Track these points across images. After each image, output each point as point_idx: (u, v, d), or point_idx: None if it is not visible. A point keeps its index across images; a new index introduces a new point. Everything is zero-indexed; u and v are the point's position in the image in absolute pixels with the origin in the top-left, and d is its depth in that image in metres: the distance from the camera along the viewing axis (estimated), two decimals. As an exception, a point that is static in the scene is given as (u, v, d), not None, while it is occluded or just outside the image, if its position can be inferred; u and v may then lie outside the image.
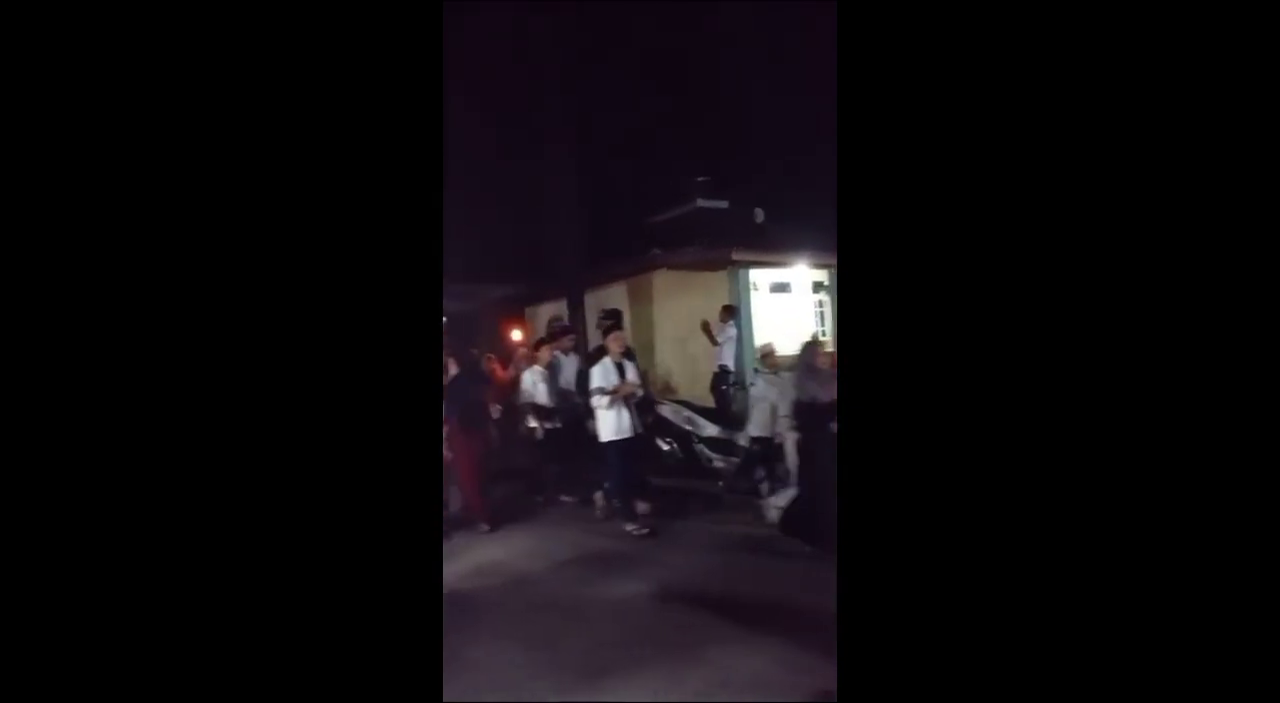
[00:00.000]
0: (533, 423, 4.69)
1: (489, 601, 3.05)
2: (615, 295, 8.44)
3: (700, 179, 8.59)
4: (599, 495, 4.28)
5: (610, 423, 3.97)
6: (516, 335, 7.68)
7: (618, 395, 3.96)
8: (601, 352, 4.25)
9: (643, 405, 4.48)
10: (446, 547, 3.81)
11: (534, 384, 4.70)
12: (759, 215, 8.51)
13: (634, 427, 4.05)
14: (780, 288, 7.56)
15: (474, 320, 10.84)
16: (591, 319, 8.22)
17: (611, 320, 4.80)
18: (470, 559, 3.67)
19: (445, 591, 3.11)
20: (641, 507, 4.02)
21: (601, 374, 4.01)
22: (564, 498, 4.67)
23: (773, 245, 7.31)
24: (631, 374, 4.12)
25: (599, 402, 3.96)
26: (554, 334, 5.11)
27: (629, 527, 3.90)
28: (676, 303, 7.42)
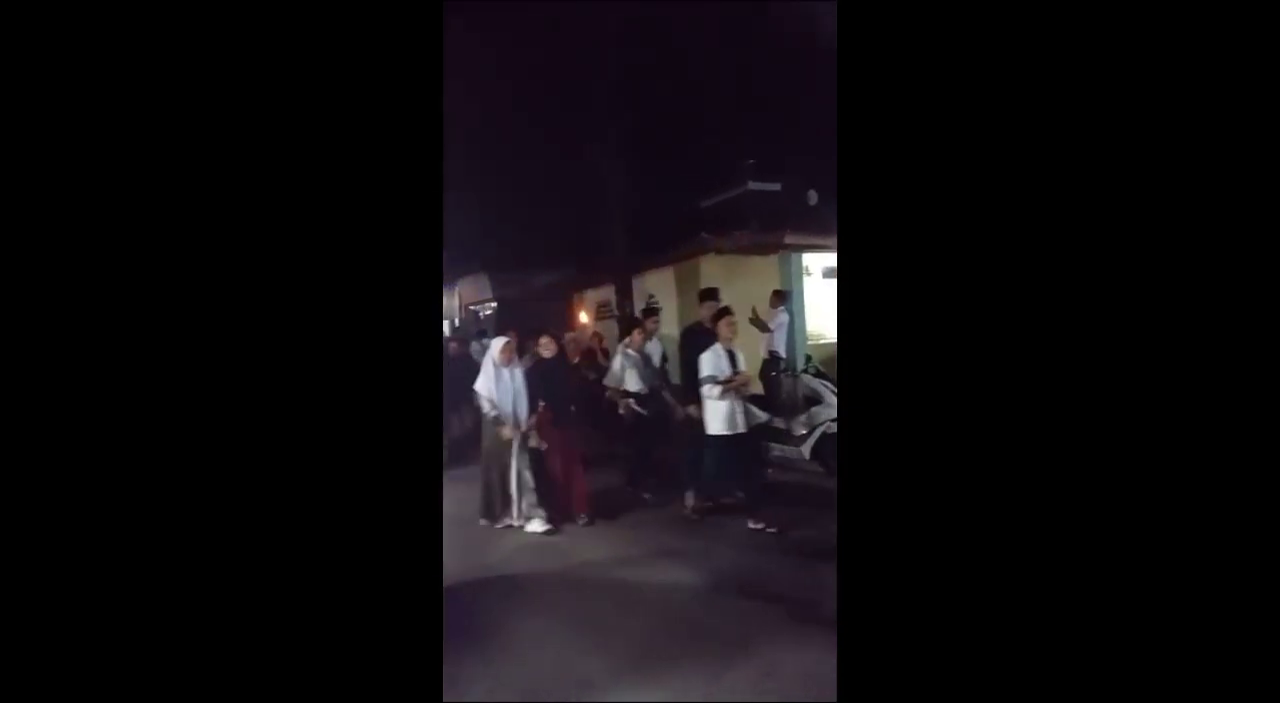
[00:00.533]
0: (623, 410, 4.36)
1: (543, 584, 3.07)
2: (661, 280, 8.36)
3: (751, 161, 8.35)
4: (688, 495, 3.94)
5: (721, 416, 3.62)
6: (583, 317, 7.27)
7: (731, 386, 3.61)
8: (702, 334, 3.91)
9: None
10: (504, 532, 3.88)
11: (623, 369, 4.33)
12: (812, 198, 8.20)
13: (746, 421, 3.71)
14: (834, 273, 7.30)
15: (522, 306, 11.02)
16: (639, 305, 8.18)
17: (714, 301, 4.21)
18: (524, 541, 3.72)
19: (500, 572, 3.20)
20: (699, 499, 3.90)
21: (713, 362, 3.64)
22: (645, 496, 4.31)
23: (827, 228, 7.04)
24: (744, 363, 3.78)
25: (710, 392, 3.62)
26: (644, 314, 4.70)
27: (689, 502, 3.85)
28: (725, 288, 7.27)
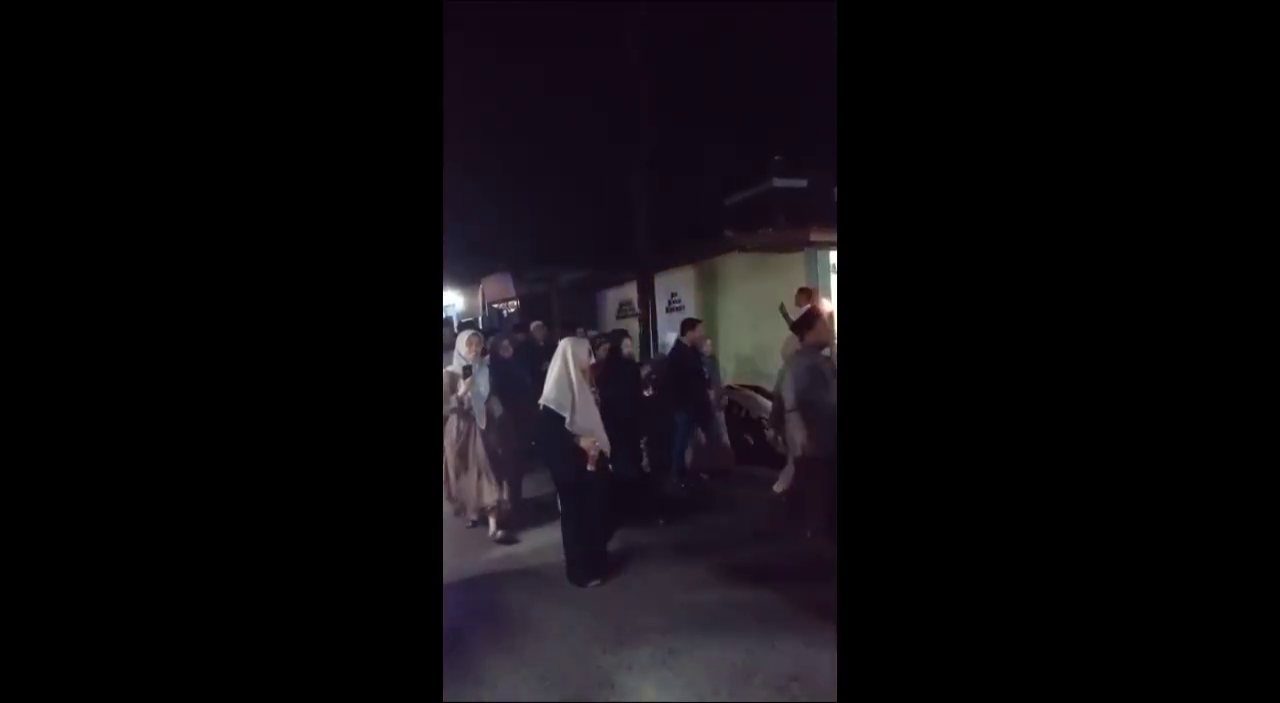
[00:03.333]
0: None
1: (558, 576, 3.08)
2: (684, 278, 8.32)
3: (777, 157, 8.26)
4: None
5: None
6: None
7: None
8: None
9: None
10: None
11: None
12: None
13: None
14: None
15: (547, 303, 11.07)
16: (661, 303, 8.15)
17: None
18: (537, 540, 3.73)
19: (526, 566, 3.20)
20: None
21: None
22: None
23: (854, 225, 6.90)
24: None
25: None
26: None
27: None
28: (748, 286, 7.21)
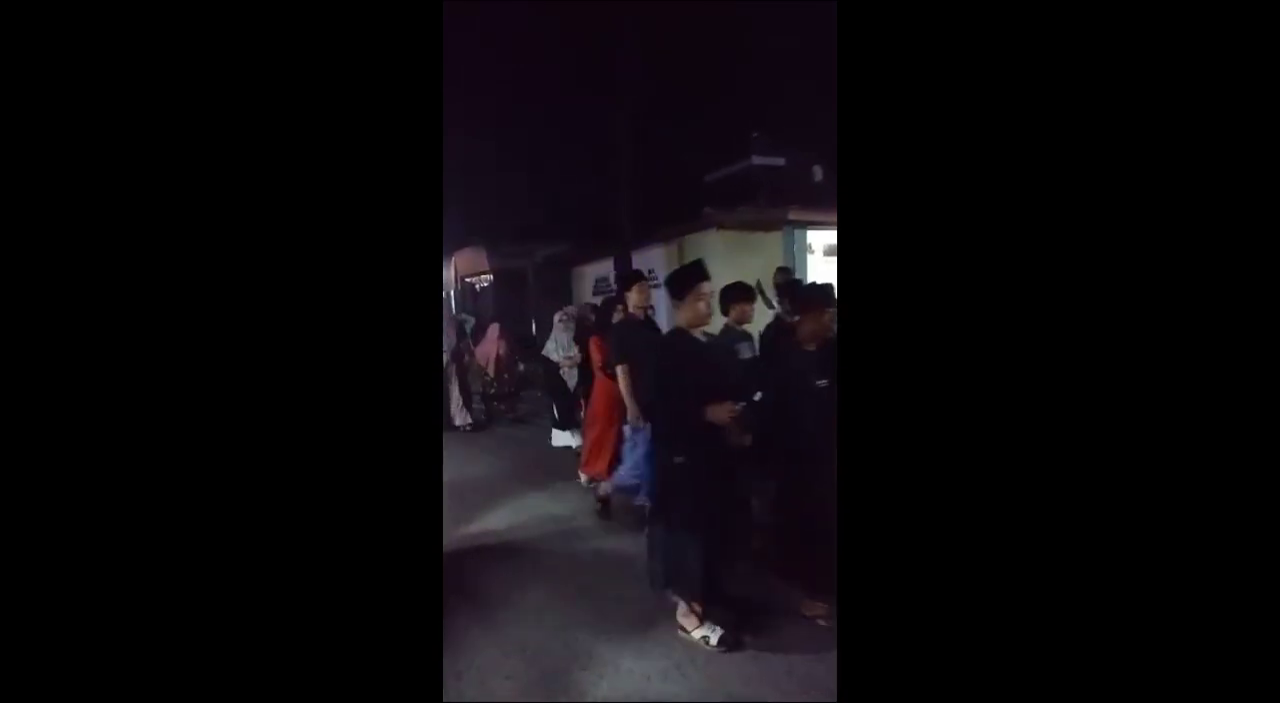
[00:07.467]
0: None
1: (540, 552, 3.08)
2: (660, 256, 8.28)
3: (755, 135, 8.22)
4: None
5: None
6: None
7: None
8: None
9: None
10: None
11: None
12: (818, 173, 8.10)
13: None
14: (835, 250, 7.24)
15: (523, 278, 10.92)
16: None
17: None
18: (524, 511, 3.72)
19: (502, 540, 3.20)
20: None
21: None
22: None
23: (832, 205, 6.95)
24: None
25: None
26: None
27: None
28: (726, 264, 7.21)
